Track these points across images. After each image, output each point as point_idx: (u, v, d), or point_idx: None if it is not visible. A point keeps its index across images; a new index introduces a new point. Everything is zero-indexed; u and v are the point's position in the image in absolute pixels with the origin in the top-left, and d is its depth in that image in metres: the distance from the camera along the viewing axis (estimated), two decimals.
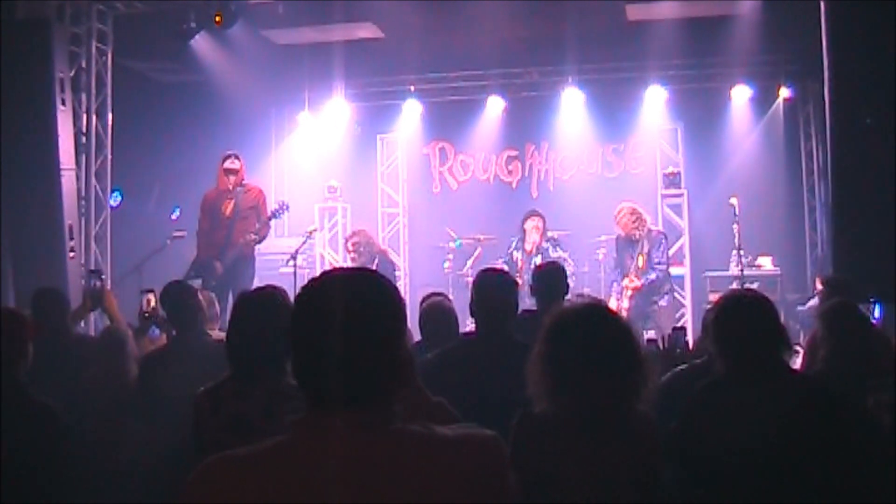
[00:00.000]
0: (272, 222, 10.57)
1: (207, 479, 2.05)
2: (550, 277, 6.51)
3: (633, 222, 10.86)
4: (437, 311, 6.10)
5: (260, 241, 10.49)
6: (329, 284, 2.15)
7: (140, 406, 5.51)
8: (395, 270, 11.36)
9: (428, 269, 14.06)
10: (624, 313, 10.32)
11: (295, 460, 2.01)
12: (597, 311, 3.52)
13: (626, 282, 10.79)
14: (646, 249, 10.72)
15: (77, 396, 5.36)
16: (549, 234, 12.32)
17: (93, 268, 10.46)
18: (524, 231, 12.16)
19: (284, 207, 10.38)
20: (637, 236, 10.79)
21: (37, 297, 6.55)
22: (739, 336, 3.98)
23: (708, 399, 3.97)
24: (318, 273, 2.32)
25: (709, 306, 9.99)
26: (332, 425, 2.02)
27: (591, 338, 3.37)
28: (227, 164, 10.47)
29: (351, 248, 11.58)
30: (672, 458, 3.88)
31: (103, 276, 10.03)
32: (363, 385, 2.04)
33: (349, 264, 10.98)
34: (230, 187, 10.44)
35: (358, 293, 2.10)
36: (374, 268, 10.63)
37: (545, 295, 6.31)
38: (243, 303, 4.09)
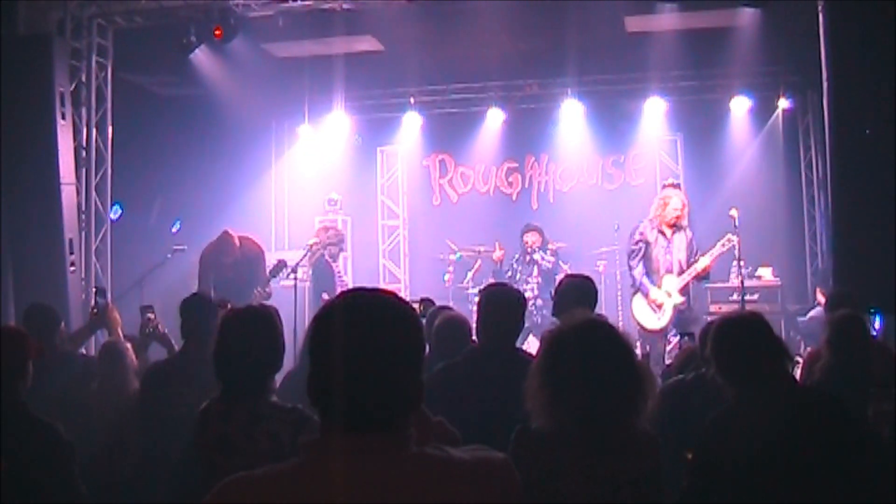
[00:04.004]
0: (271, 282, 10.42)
1: (224, 500, 2.04)
2: (574, 292, 6.18)
3: (682, 209, 10.09)
4: (451, 326, 5.94)
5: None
6: (351, 306, 2.12)
7: (142, 419, 5.48)
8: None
9: (428, 281, 14.02)
10: (670, 312, 9.84)
11: (314, 483, 2.00)
12: (597, 327, 3.51)
13: (699, 263, 9.82)
14: (689, 238, 10.10)
15: (68, 413, 5.31)
16: (550, 246, 12.35)
17: (97, 286, 10.42)
18: (523, 245, 12.21)
19: (283, 265, 10.23)
20: (679, 226, 10.07)
21: (26, 313, 6.52)
22: (743, 363, 3.98)
23: (723, 426, 3.95)
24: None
25: (709, 317, 9.99)
26: (351, 448, 2.00)
27: (590, 354, 3.35)
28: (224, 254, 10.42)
29: (329, 238, 11.03)
30: (691, 486, 3.87)
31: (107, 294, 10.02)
32: (383, 409, 2.03)
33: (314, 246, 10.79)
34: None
35: (381, 317, 2.09)
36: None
37: (567, 311, 6.00)
38: (229, 321, 4.03)
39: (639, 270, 9.96)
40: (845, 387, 5.11)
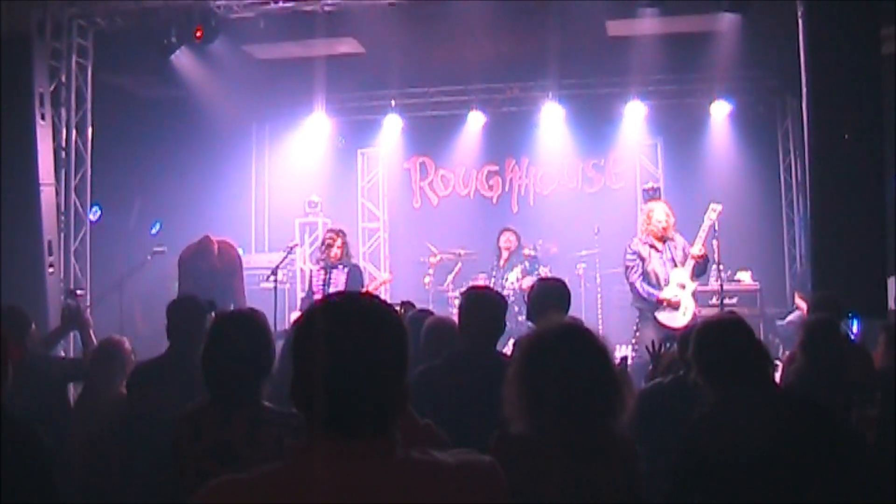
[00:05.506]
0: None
1: (210, 503, 2.03)
2: (547, 296, 6.14)
3: (666, 219, 9.70)
4: (441, 330, 5.89)
5: None
6: (334, 310, 2.12)
7: (127, 421, 5.41)
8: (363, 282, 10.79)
9: (408, 284, 14.01)
10: (692, 303, 9.44)
11: (301, 487, 1.98)
12: (573, 331, 3.50)
13: (694, 248, 9.45)
14: (683, 244, 9.70)
15: (41, 416, 5.25)
16: (526, 251, 12.38)
17: (71, 287, 10.38)
18: (498, 247, 12.24)
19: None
20: (667, 238, 9.68)
21: None
22: (725, 365, 4.00)
23: (704, 429, 3.96)
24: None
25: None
26: (336, 453, 1.99)
27: (566, 358, 3.34)
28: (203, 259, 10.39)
29: (333, 242, 10.43)
30: (673, 488, 3.88)
31: (79, 293, 9.96)
32: (368, 413, 2.02)
33: (323, 254, 10.44)
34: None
35: (364, 320, 2.07)
36: (345, 274, 10.37)
37: (541, 315, 5.88)
38: (221, 325, 3.97)
39: (640, 283, 9.59)
40: (818, 389, 5.15)
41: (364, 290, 10.18)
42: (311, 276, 10.64)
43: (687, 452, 3.92)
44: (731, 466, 3.73)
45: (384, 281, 11.08)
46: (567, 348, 3.38)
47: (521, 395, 3.35)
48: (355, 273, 10.51)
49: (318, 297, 9.97)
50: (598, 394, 3.33)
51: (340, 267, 10.28)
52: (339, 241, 10.36)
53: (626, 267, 9.78)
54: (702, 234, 9.56)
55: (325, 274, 10.29)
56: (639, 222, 10.15)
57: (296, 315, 10.09)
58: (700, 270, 9.69)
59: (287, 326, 9.28)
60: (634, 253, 9.71)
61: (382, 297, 12.58)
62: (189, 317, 5.66)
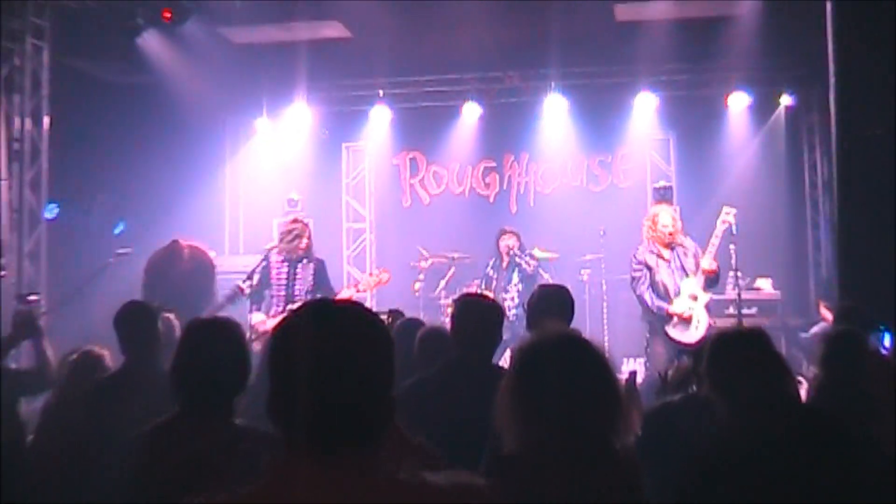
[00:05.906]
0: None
1: None
2: (547, 303, 6.12)
3: (673, 224, 9.74)
4: (437, 338, 5.86)
5: None
6: (316, 318, 2.11)
7: (88, 444, 5.38)
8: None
9: (397, 290, 13.97)
10: (705, 316, 9.45)
11: None
12: (570, 340, 3.49)
13: (704, 261, 9.46)
14: (693, 249, 9.71)
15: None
16: (528, 252, 12.36)
17: (23, 292, 10.32)
18: (499, 251, 12.19)
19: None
20: (674, 244, 9.68)
21: None
22: (739, 378, 3.95)
23: (718, 446, 3.95)
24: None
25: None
26: (318, 471, 1.98)
27: (563, 370, 3.33)
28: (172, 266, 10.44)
29: (303, 232, 10.33)
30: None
31: (32, 298, 9.91)
32: (353, 429, 2.02)
33: (290, 244, 10.27)
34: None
35: (351, 329, 2.07)
36: (311, 268, 10.24)
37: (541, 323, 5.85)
38: (193, 334, 3.98)
39: (648, 295, 9.55)
40: (838, 405, 5.14)
41: (355, 286, 10.34)
42: (267, 269, 10.40)
43: (698, 472, 3.91)
44: (746, 488, 3.71)
45: (381, 281, 10.94)
46: (563, 358, 3.37)
47: (514, 408, 3.35)
48: (322, 268, 10.41)
49: (280, 294, 10.11)
50: (597, 408, 3.32)
51: (305, 261, 10.21)
52: (307, 232, 10.31)
53: (633, 278, 9.76)
54: (714, 241, 9.57)
55: (289, 268, 10.19)
56: (644, 229, 10.04)
57: (258, 317, 9.99)
58: (711, 283, 9.67)
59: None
60: (640, 262, 9.73)
61: (368, 302, 12.67)
62: (138, 324, 5.64)
